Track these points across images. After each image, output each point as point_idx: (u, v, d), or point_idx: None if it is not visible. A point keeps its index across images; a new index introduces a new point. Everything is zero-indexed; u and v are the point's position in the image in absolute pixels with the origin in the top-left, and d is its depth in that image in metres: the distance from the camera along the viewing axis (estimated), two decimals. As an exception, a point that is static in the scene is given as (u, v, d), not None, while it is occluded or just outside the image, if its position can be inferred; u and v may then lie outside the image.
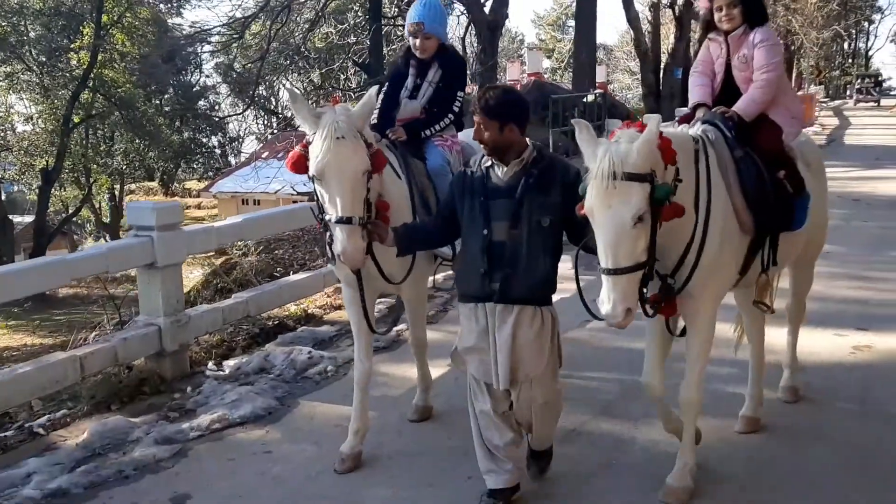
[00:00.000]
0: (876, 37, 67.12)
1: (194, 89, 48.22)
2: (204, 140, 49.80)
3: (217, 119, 48.97)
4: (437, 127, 4.47)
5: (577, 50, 19.71)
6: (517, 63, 33.40)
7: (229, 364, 5.75)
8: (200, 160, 50.35)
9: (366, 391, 4.18)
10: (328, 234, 3.65)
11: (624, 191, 2.94)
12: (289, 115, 53.73)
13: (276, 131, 52.58)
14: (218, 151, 51.07)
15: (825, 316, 6.27)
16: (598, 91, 16.42)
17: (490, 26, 20.73)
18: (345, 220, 3.45)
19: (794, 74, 49.75)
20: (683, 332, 3.69)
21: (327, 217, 3.55)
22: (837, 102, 50.59)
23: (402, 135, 4.35)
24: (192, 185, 51.87)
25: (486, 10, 20.70)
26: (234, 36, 20.62)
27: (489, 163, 3.58)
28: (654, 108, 22.88)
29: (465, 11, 21.86)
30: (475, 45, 21.81)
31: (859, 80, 54.36)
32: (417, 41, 4.44)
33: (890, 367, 5.32)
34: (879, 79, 55.38)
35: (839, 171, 16.45)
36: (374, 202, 3.69)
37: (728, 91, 4.08)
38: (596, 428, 4.54)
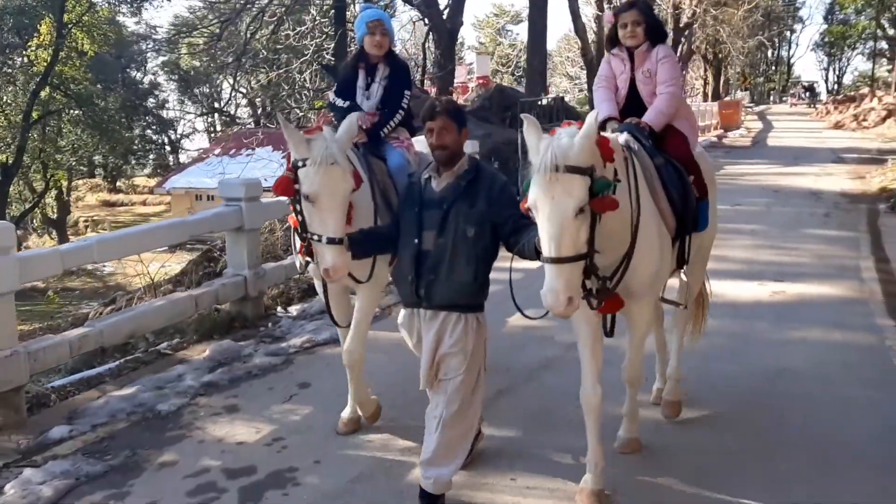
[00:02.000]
0: (797, 45, 71.14)
1: (142, 86, 48.58)
2: (154, 137, 50.16)
3: (165, 118, 49.57)
4: (392, 124, 4.72)
5: (530, 56, 21.45)
6: (464, 66, 35.03)
7: (294, 308, 7.27)
8: (151, 157, 50.69)
9: (353, 370, 4.54)
10: (301, 245, 3.91)
11: (566, 183, 3.01)
12: (233, 112, 54.35)
13: (222, 129, 53.25)
14: (168, 148, 51.37)
15: (752, 273, 8.16)
16: (559, 95, 18.15)
17: (448, 32, 22.32)
18: (337, 241, 3.69)
19: (721, 81, 52.78)
20: (611, 334, 3.71)
21: (314, 237, 3.77)
22: (762, 107, 53.77)
23: (364, 137, 4.57)
24: (141, 181, 52.11)
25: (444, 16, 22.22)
26: (208, 34, 21.57)
27: (427, 175, 3.76)
28: (597, 111, 24.65)
29: (423, 18, 23.36)
30: (433, 50, 23.33)
31: (795, 87, 58.60)
32: (377, 38, 4.72)
33: (796, 303, 7.15)
34: (814, 86, 59.57)
35: (763, 167, 18.71)
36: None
37: (632, 104, 4.29)
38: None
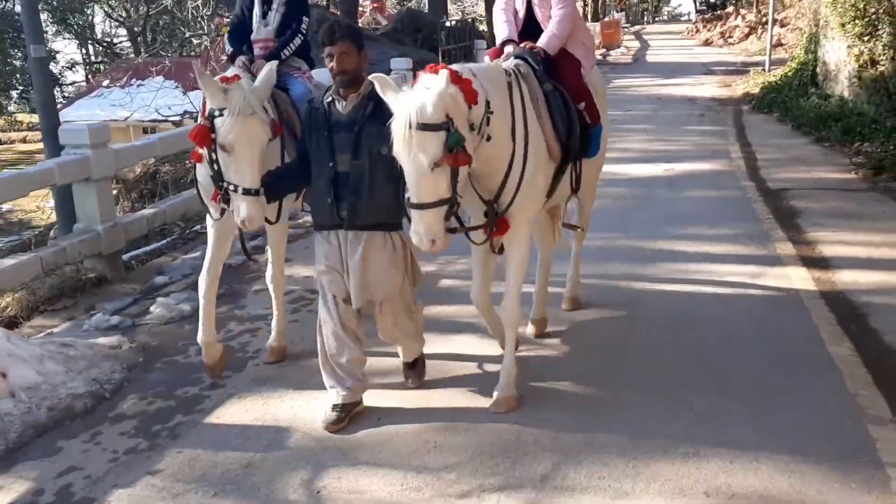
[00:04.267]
0: (668, -36, 73.75)
1: (17, 18, 46.78)
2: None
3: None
4: (292, 46, 4.70)
5: (432, -20, 22.96)
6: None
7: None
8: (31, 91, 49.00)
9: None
10: (223, 196, 3.82)
11: (420, 139, 3.12)
12: (109, 42, 52.70)
13: (103, 60, 51.76)
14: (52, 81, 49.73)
15: (648, 158, 10.33)
16: (467, 18, 19.72)
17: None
18: (253, 192, 3.69)
19: (599, 2, 55.16)
20: (502, 250, 3.93)
21: (230, 186, 3.73)
22: (637, 27, 56.60)
23: (270, 43, 4.69)
24: (23, 118, 50.36)
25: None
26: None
27: (330, 98, 3.73)
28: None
29: None
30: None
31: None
32: None
33: (684, 175, 9.34)
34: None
35: (646, 80, 21.03)
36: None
37: (530, 28, 4.28)
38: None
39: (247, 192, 3.69)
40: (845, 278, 5.65)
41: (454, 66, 3.42)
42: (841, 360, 4.36)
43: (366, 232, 3.71)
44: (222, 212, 3.99)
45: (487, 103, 3.45)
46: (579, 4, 51.97)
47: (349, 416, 3.87)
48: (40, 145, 32.54)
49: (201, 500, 3.38)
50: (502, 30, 4.31)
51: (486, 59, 4.28)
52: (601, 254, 6.25)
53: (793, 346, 4.56)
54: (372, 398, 4.08)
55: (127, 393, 4.43)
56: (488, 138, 3.49)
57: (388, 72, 12.50)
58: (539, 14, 4.27)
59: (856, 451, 3.47)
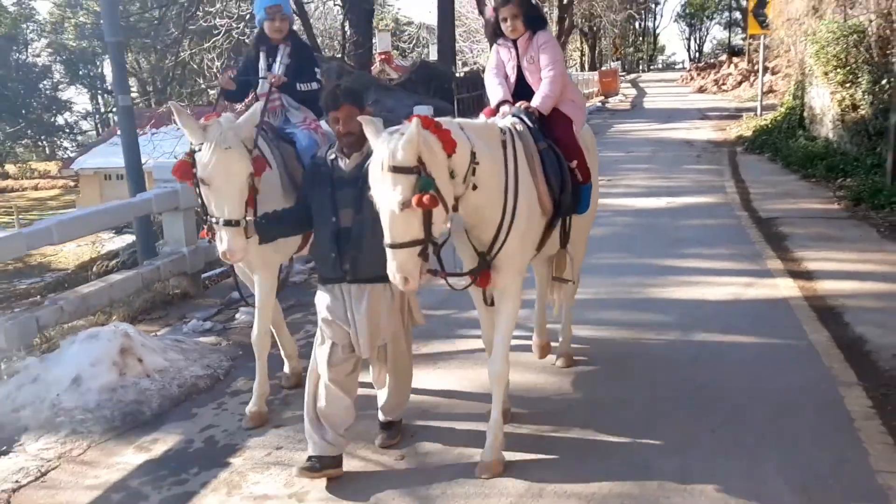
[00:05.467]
0: (661, 16, 76.27)
1: (36, 69, 48.32)
2: (51, 120, 49.90)
3: (61, 99, 49.44)
4: (309, 86, 4.85)
5: (441, 35, 24.27)
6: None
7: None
8: (47, 139, 50.41)
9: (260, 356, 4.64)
10: (210, 232, 3.97)
11: (390, 181, 3.23)
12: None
13: (113, 109, 53.24)
14: (67, 130, 51.09)
15: (650, 192, 11.42)
16: (476, 68, 20.98)
17: (366, 13, 24.65)
18: (233, 224, 3.79)
19: (596, 52, 57.02)
20: (493, 304, 4.01)
21: (213, 219, 3.85)
22: (633, 75, 58.41)
23: (282, 78, 4.79)
24: (40, 165, 51.71)
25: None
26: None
27: (333, 155, 3.87)
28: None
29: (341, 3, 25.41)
30: (349, 30, 25.49)
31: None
32: (276, 23, 4.86)
33: (684, 207, 10.39)
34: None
35: (644, 125, 22.31)
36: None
37: (521, 90, 4.39)
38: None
39: (227, 223, 3.81)
40: (825, 287, 6.66)
41: (440, 119, 3.56)
42: (819, 345, 5.36)
43: (369, 284, 3.81)
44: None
45: (473, 154, 3.56)
46: (576, 55, 53.82)
47: (324, 470, 3.83)
48: (52, 192, 33.30)
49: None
50: (496, 91, 4.44)
51: (482, 117, 4.39)
52: (615, 269, 7.28)
53: (781, 335, 5.56)
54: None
55: (236, 376, 5.42)
56: (474, 187, 3.59)
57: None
58: (529, 77, 4.40)
59: (829, 407, 4.46)
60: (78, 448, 4.44)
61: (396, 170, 3.24)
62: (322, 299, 3.94)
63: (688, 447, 4.05)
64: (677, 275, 7.19)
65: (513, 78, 4.44)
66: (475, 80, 20.79)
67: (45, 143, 51.22)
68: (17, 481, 4.12)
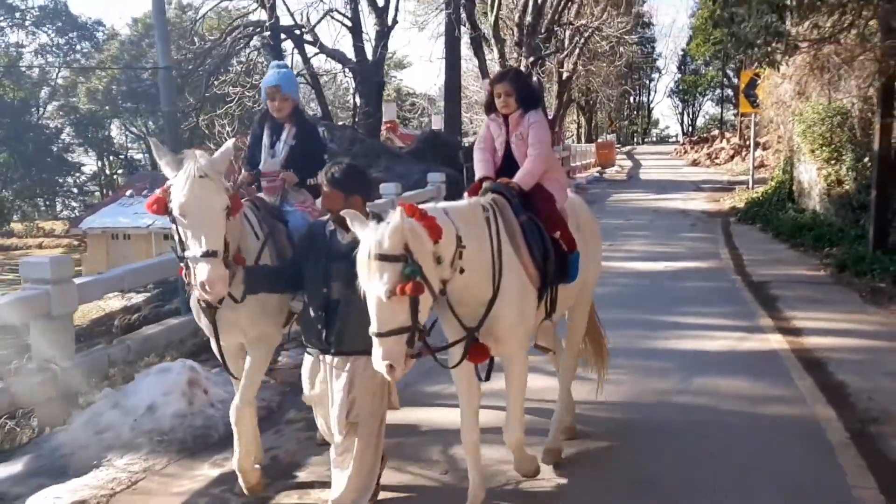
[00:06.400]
0: (655, 92, 78.05)
1: (48, 131, 49.78)
2: (59, 180, 51.11)
3: (71, 161, 50.75)
4: (315, 181, 4.58)
5: (447, 107, 25.49)
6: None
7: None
8: (57, 199, 51.53)
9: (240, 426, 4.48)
10: (187, 271, 3.82)
11: (377, 269, 3.29)
12: (128, 155, 55.52)
13: (119, 171, 54.51)
14: (75, 191, 52.26)
15: (649, 257, 12.24)
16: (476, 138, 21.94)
17: (377, 85, 25.83)
18: (210, 254, 3.64)
19: (592, 125, 58.73)
20: (488, 377, 4.08)
21: (189, 254, 3.71)
22: (628, 148, 59.94)
23: (294, 178, 4.78)
24: (46, 224, 52.68)
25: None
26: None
27: (332, 227, 3.95)
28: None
29: (353, 77, 26.46)
30: (360, 101, 26.56)
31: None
32: (276, 102, 4.86)
33: (682, 271, 11.18)
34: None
35: (641, 195, 23.29)
36: (231, 252, 3.91)
37: (508, 165, 4.49)
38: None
39: (205, 254, 3.68)
40: (812, 341, 7.40)
41: (425, 206, 3.68)
42: (805, 389, 6.09)
43: (351, 357, 3.89)
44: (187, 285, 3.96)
45: (459, 238, 3.66)
46: (573, 127, 55.35)
47: None
48: (57, 251, 33.54)
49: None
50: (480, 168, 4.56)
51: (465, 195, 4.45)
52: (621, 323, 7.96)
53: (772, 381, 6.27)
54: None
55: (287, 408, 6.10)
56: (461, 271, 3.68)
57: (423, 184, 14.54)
58: (516, 152, 4.49)
59: (812, 437, 5.18)
60: (159, 463, 5.11)
61: (383, 258, 3.32)
62: (307, 368, 4.12)
63: (692, 467, 4.75)
64: (678, 329, 7.93)
65: (500, 153, 4.57)
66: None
67: (51, 202, 52.23)
68: (112, 489, 4.77)
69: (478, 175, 4.53)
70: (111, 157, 56.05)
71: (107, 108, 50.03)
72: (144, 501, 4.63)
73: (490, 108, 4.59)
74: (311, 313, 3.95)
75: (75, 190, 51.96)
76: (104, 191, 51.74)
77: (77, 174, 52.12)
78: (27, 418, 6.03)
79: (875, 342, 7.36)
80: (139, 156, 55.01)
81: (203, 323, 4.29)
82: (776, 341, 7.43)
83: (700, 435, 5.21)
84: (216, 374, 6.50)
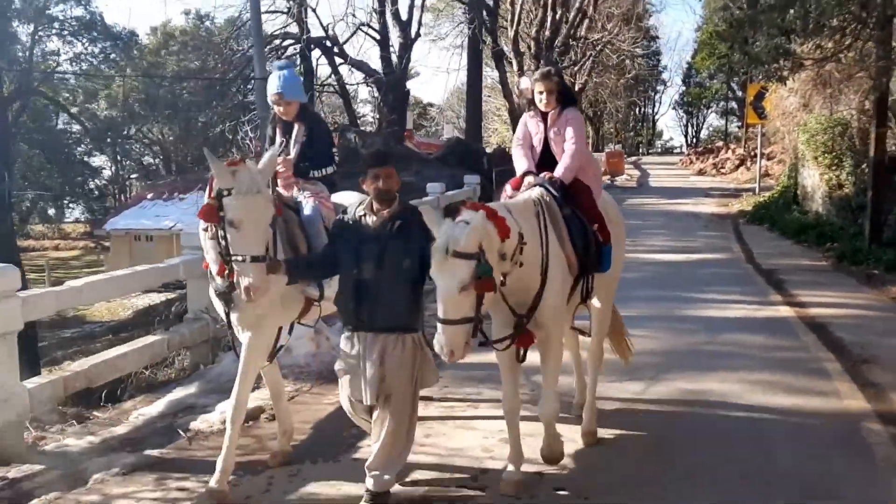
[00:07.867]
0: (661, 104, 78.67)
1: (73, 135, 50.97)
2: (81, 181, 52.26)
3: (94, 165, 52.07)
4: (324, 171, 4.95)
5: (469, 115, 27.05)
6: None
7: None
8: (81, 202, 52.72)
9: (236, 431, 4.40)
10: (221, 267, 4.17)
11: (452, 265, 3.53)
12: (142, 160, 56.65)
13: (134, 176, 55.70)
14: (96, 193, 53.27)
15: (670, 250, 13.72)
16: (501, 146, 23.47)
17: (403, 94, 27.23)
18: (260, 259, 3.98)
19: (599, 135, 59.95)
20: (524, 359, 4.29)
21: (237, 258, 4.00)
22: (634, 158, 61.12)
23: (290, 161, 4.90)
24: (67, 227, 53.99)
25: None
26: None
27: (363, 212, 4.13)
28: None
29: (377, 88, 27.66)
30: (384, 108, 27.90)
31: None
32: (281, 107, 4.99)
33: (700, 261, 12.62)
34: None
35: (653, 200, 24.71)
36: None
37: (546, 160, 4.70)
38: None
39: (255, 258, 3.97)
40: (815, 311, 8.84)
41: (492, 205, 3.92)
42: (810, 341, 7.55)
43: (382, 334, 4.03)
44: (230, 286, 4.22)
45: (521, 235, 3.90)
46: (582, 136, 56.75)
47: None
48: (73, 252, 34.18)
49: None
50: (521, 163, 4.77)
51: (508, 187, 4.76)
52: (652, 298, 9.45)
53: (782, 336, 7.72)
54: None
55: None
56: (521, 265, 3.94)
57: (452, 187, 15.73)
58: (554, 148, 4.72)
59: (814, 371, 6.59)
60: (305, 387, 6.52)
61: (459, 255, 3.54)
62: (343, 345, 4.23)
63: (724, 381, 6.17)
64: (702, 303, 9.39)
65: (539, 149, 4.79)
66: (502, 156, 23.33)
67: (73, 205, 53.44)
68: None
69: (519, 170, 4.78)
70: (127, 162, 57.09)
71: (125, 113, 51.27)
72: (304, 407, 6.03)
73: (530, 105, 4.86)
74: (344, 294, 4.15)
75: (96, 193, 52.99)
76: (118, 195, 52.87)
77: (98, 178, 53.33)
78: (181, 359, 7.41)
79: (868, 312, 8.85)
80: (152, 160, 56.06)
81: (218, 307, 4.57)
82: (785, 311, 8.88)
83: (730, 368, 6.63)
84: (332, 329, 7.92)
